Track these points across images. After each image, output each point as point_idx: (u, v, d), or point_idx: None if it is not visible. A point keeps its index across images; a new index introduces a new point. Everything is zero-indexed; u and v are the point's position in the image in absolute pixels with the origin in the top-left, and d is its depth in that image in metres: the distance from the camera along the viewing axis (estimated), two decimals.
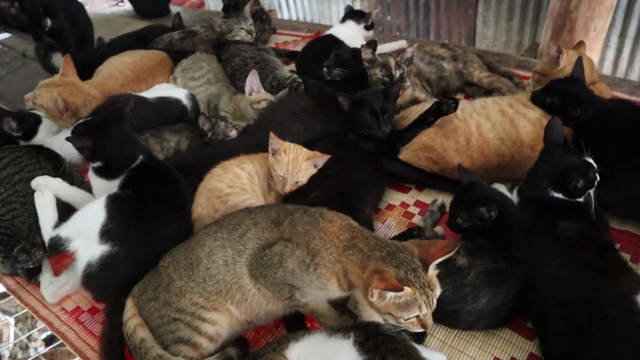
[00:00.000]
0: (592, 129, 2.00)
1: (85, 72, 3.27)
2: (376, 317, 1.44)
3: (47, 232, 1.80)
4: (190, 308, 1.50)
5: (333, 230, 1.43)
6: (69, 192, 2.02)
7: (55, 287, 1.88)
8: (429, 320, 1.33)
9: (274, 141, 1.95)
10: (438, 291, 1.33)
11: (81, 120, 2.03)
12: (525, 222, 1.72)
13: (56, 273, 1.96)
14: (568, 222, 1.65)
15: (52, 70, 3.62)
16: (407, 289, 1.25)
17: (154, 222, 1.80)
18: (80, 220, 1.75)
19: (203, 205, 1.91)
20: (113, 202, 1.75)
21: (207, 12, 5.71)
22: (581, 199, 1.74)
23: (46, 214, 1.86)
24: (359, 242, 1.38)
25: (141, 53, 3.20)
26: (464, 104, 2.29)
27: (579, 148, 1.83)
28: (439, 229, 1.97)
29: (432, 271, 1.31)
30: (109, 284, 1.70)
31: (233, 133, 2.50)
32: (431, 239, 1.82)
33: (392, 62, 2.52)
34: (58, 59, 3.53)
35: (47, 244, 1.77)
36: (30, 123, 2.37)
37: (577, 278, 1.51)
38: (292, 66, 3.37)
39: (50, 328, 1.78)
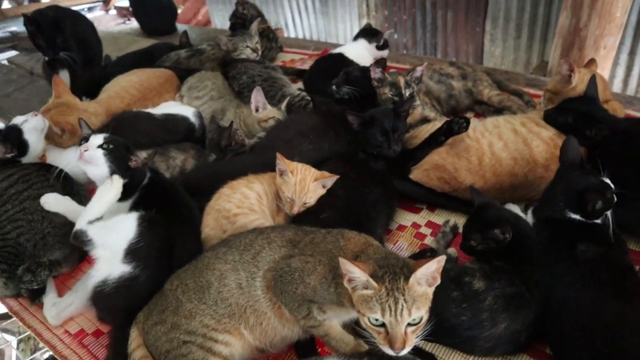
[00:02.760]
0: (608, 148, 1.96)
1: (92, 89, 3.28)
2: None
3: (82, 222, 1.72)
4: (201, 330, 1.45)
5: (350, 247, 1.42)
6: (78, 211, 1.97)
7: (59, 308, 1.83)
8: (397, 338, 1.23)
9: (281, 162, 1.92)
10: (414, 306, 1.24)
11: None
12: (541, 243, 1.67)
13: (60, 293, 1.91)
14: (587, 244, 1.60)
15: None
16: (373, 283, 1.23)
17: (173, 246, 1.77)
18: (110, 230, 1.70)
19: (211, 226, 1.88)
20: (145, 221, 1.72)
21: (213, 30, 5.74)
22: (599, 221, 1.69)
23: (95, 206, 1.77)
24: (369, 250, 1.39)
25: (148, 72, 3.20)
26: (475, 123, 2.26)
27: (594, 168, 1.80)
28: (452, 250, 1.92)
29: (413, 280, 1.25)
30: (120, 307, 1.65)
31: (247, 142, 2.56)
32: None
33: (401, 81, 2.50)
34: (65, 76, 3.53)
35: (73, 231, 1.71)
36: (14, 137, 2.27)
37: (598, 302, 1.45)
38: (300, 84, 3.35)
39: (53, 351, 1.73)
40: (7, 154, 2.25)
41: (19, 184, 2.09)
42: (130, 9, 5.81)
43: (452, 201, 2.16)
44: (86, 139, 1.91)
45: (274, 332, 1.51)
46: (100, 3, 7.56)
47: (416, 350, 1.50)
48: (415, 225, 2.13)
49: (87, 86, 3.47)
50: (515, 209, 1.96)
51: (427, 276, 1.27)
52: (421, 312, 1.26)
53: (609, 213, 1.68)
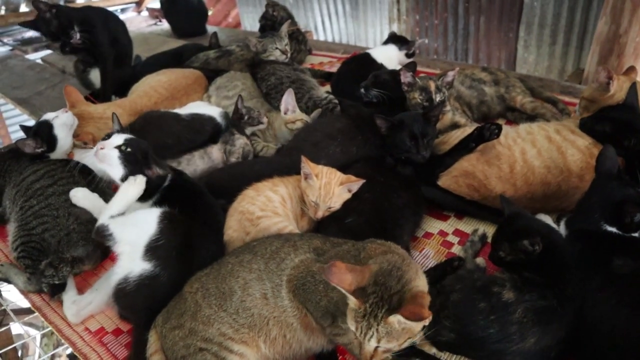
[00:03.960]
0: None
1: (122, 88, 3.32)
2: None
3: (104, 217, 1.72)
4: (217, 338, 1.42)
5: (368, 257, 1.37)
6: (104, 208, 1.98)
7: (79, 306, 1.82)
8: (365, 354, 1.24)
9: (306, 165, 1.89)
10: (385, 338, 1.20)
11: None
12: (575, 256, 1.60)
13: (80, 291, 1.91)
14: (624, 258, 1.53)
15: (89, 86, 3.69)
16: (352, 298, 1.21)
17: (195, 248, 1.75)
18: (131, 225, 1.70)
19: (234, 227, 1.86)
20: (167, 218, 1.71)
21: (243, 32, 5.76)
22: (636, 234, 1.62)
23: (117, 202, 1.77)
24: (387, 255, 1.33)
25: (176, 72, 3.21)
26: (507, 130, 2.19)
27: (633, 180, 1.72)
28: (480, 260, 1.86)
29: (394, 320, 1.19)
30: (141, 305, 1.64)
31: (265, 120, 2.66)
32: (472, 271, 1.72)
33: (432, 85, 2.45)
34: (96, 74, 3.61)
35: (96, 226, 1.71)
36: (44, 133, 2.33)
37: (635, 321, 1.38)
38: (328, 87, 3.32)
39: (72, 348, 1.72)
40: (37, 149, 2.29)
41: (44, 179, 2.12)
42: (162, 10, 5.87)
43: (481, 210, 2.09)
44: (109, 136, 1.90)
45: (299, 345, 1.48)
46: (133, 4, 7.66)
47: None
48: (443, 233, 2.07)
49: (117, 85, 3.53)
50: (547, 219, 1.89)
51: (408, 325, 1.20)
52: (393, 344, 1.23)
53: None
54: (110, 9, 3.99)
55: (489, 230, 1.99)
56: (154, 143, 2.19)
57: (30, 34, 6.26)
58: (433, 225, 2.12)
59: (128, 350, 1.68)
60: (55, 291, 1.90)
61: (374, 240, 1.47)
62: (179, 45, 4.22)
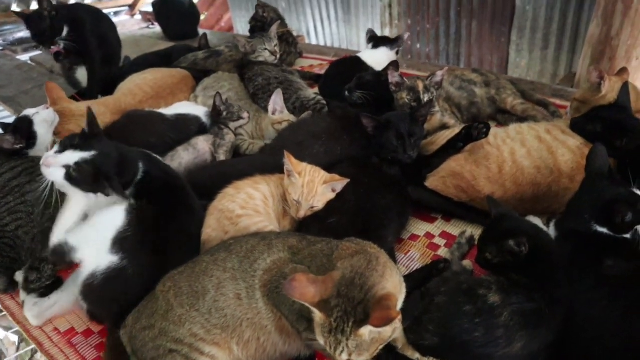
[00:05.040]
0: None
1: (109, 88, 3.26)
2: None
3: (58, 234, 1.65)
4: (188, 339, 1.36)
5: (340, 257, 1.30)
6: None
7: (41, 308, 1.75)
8: None
9: (289, 161, 1.83)
10: (356, 352, 1.15)
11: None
12: (564, 258, 1.54)
13: None
14: (614, 259, 1.48)
15: (76, 85, 3.64)
16: (317, 312, 1.15)
17: (169, 243, 1.68)
18: (92, 228, 1.63)
19: (213, 226, 1.79)
20: (135, 210, 1.65)
21: (235, 35, 5.72)
22: (628, 236, 1.56)
23: (68, 217, 1.70)
24: (354, 258, 1.26)
25: (163, 71, 3.17)
26: (496, 130, 2.15)
27: (625, 180, 1.67)
28: (467, 263, 1.80)
29: (364, 331, 1.13)
30: (110, 299, 1.58)
31: (245, 115, 2.61)
32: (458, 273, 1.66)
33: (420, 85, 2.40)
34: (82, 73, 3.57)
35: (51, 246, 1.63)
36: (24, 129, 2.24)
37: (627, 323, 1.33)
38: (317, 89, 3.27)
39: (39, 349, 1.66)
40: (16, 145, 2.21)
41: (22, 177, 2.05)
42: (154, 13, 5.81)
43: (469, 211, 2.03)
44: (65, 144, 1.65)
45: (274, 349, 1.42)
46: (127, 8, 7.62)
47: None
48: (429, 235, 2.01)
49: (104, 85, 3.47)
50: (536, 221, 1.84)
51: (379, 333, 1.15)
52: (365, 356, 1.16)
53: (639, 228, 1.55)
54: (104, 11, 3.94)
55: (478, 232, 1.93)
56: (138, 142, 2.14)
57: (22, 34, 6.20)
58: (419, 227, 2.06)
59: (98, 351, 1.62)
60: (46, 293, 1.82)
61: (351, 239, 1.41)
62: (168, 46, 4.16)
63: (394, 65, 2.50)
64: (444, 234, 2.01)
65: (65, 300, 1.75)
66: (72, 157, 1.60)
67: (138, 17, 7.40)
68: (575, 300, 1.44)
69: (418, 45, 4.93)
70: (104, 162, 1.63)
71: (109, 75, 3.53)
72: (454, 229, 2.03)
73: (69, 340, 1.69)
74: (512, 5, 4.10)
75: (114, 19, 7.10)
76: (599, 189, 1.61)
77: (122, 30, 6.09)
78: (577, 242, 1.61)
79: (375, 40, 3.29)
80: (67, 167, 1.60)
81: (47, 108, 2.37)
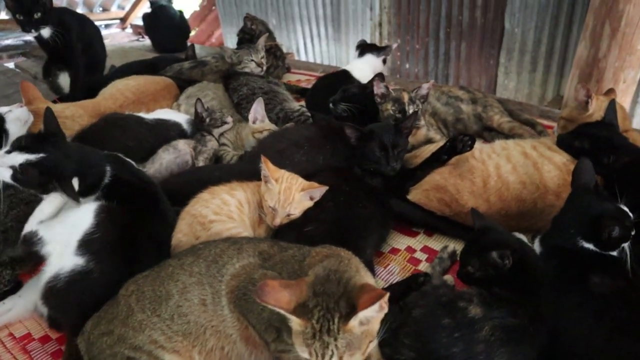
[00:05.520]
0: (627, 177, 1.77)
1: (91, 95, 3.18)
2: None
3: (32, 223, 1.59)
4: (147, 346, 1.26)
5: (311, 262, 1.24)
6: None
7: None
8: None
9: (265, 167, 1.76)
10: (346, 352, 1.07)
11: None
12: (549, 273, 1.48)
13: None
14: (601, 277, 1.41)
15: (58, 90, 3.57)
16: (295, 319, 1.07)
17: (137, 248, 1.60)
18: (63, 224, 1.56)
19: (184, 231, 1.71)
20: (105, 211, 1.57)
21: (222, 46, 5.70)
22: (615, 253, 1.50)
23: (46, 206, 1.63)
24: (325, 261, 1.20)
25: (146, 78, 3.13)
26: (482, 145, 2.12)
27: (612, 196, 1.61)
28: (448, 277, 1.73)
29: (354, 323, 1.06)
30: (72, 303, 1.49)
31: (229, 119, 2.59)
32: (438, 287, 1.58)
33: (405, 97, 2.36)
34: (65, 79, 3.51)
35: (22, 235, 1.57)
36: None
37: (613, 342, 1.27)
38: (303, 103, 3.22)
39: None
40: None
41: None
42: (143, 25, 5.78)
43: (452, 226, 1.97)
44: (14, 145, 1.60)
45: (238, 359, 1.32)
46: (118, 21, 7.60)
47: None
48: (410, 250, 1.94)
49: (87, 92, 3.40)
50: (521, 238, 1.77)
51: (370, 317, 1.08)
52: (358, 357, 1.08)
53: (626, 245, 1.49)
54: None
55: (460, 247, 1.85)
56: (115, 146, 2.08)
57: (8, 41, 6.14)
58: (400, 241, 1.99)
59: (54, 359, 1.51)
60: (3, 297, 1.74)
61: (324, 245, 1.34)
62: (155, 56, 4.12)
63: (379, 76, 2.46)
64: (425, 249, 1.95)
65: (22, 306, 1.67)
66: (18, 158, 1.55)
67: (129, 30, 7.38)
68: (559, 318, 1.37)
69: (407, 65, 4.93)
70: (52, 165, 1.58)
71: (92, 82, 3.46)
72: (436, 243, 1.97)
73: (23, 346, 1.59)
74: (501, 27, 4.11)
75: (105, 32, 7.14)
76: (585, 203, 1.55)
77: (111, 42, 6.10)
78: (562, 258, 1.55)
79: (362, 48, 3.26)
80: (13, 168, 1.55)
81: (21, 106, 2.29)
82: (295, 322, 1.08)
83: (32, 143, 1.59)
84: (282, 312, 1.07)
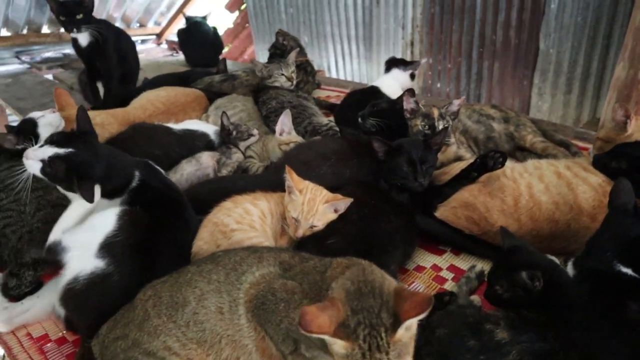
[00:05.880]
0: None
1: (124, 105, 3.22)
2: None
3: (56, 232, 1.62)
4: (161, 352, 1.24)
5: (333, 274, 1.19)
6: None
7: (12, 313, 1.65)
8: None
9: (289, 177, 1.73)
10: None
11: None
12: (583, 298, 1.40)
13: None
14: None
15: (91, 100, 3.63)
16: (340, 342, 0.99)
17: (158, 254, 1.60)
18: (85, 230, 1.58)
19: (205, 239, 1.69)
20: (127, 216, 1.58)
21: (252, 60, 5.75)
22: None
23: (71, 215, 1.67)
24: (346, 272, 1.15)
25: (177, 89, 3.16)
26: (513, 164, 2.05)
27: None
28: (475, 298, 1.66)
29: (402, 332, 1.01)
30: (90, 306, 1.49)
31: (255, 132, 2.59)
32: (465, 307, 1.52)
33: (435, 112, 2.31)
34: (99, 89, 3.55)
35: (47, 244, 1.60)
36: (27, 130, 2.25)
37: None
38: (332, 118, 3.21)
39: (7, 352, 1.57)
40: (18, 145, 2.21)
41: (27, 192, 2.00)
42: (178, 41, 5.89)
43: (480, 245, 1.90)
44: (47, 139, 1.67)
45: None
46: (154, 37, 7.77)
47: None
48: (436, 268, 1.88)
49: (120, 102, 3.46)
50: (553, 259, 1.69)
51: (414, 321, 1.03)
52: None
53: None
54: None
55: (488, 268, 1.80)
56: (142, 154, 2.09)
57: (49, 54, 6.33)
58: (426, 259, 1.93)
59: None
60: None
61: (347, 257, 1.30)
62: (186, 70, 4.17)
63: (409, 91, 2.42)
64: (451, 268, 1.88)
65: (40, 307, 1.66)
66: (48, 151, 1.60)
67: (164, 46, 7.53)
68: (593, 346, 1.29)
69: (438, 85, 4.88)
70: (80, 160, 1.61)
71: (125, 93, 3.52)
72: (463, 263, 1.90)
73: (40, 347, 1.58)
74: (536, 48, 4.04)
75: (141, 47, 7.32)
76: (623, 225, 1.48)
77: (146, 57, 6.23)
78: (597, 282, 1.46)
79: (389, 64, 3.24)
80: (42, 161, 1.59)
81: (54, 112, 2.34)
82: (339, 346, 1.01)
83: (63, 138, 1.64)
84: (325, 337, 1.00)
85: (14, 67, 5.94)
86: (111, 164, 1.67)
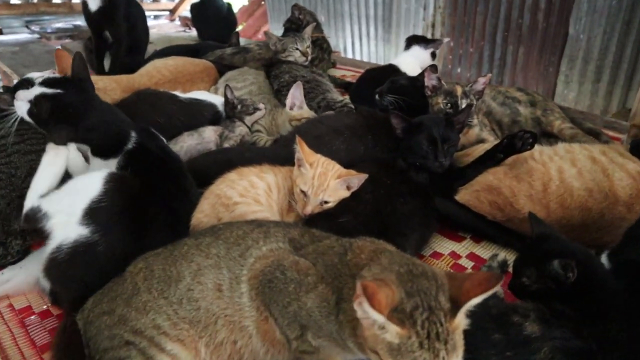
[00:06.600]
0: None
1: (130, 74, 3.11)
2: None
3: (32, 198, 1.49)
4: (149, 331, 1.11)
5: (358, 261, 1.06)
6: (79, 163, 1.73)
7: None
8: None
9: (300, 149, 1.59)
10: (454, 354, 0.88)
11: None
12: (622, 292, 1.25)
13: None
14: None
15: (95, 68, 3.51)
16: (396, 328, 0.85)
17: (150, 222, 1.48)
18: (68, 193, 1.46)
19: (205, 211, 1.56)
20: (114, 180, 1.46)
21: (266, 31, 5.62)
22: None
23: (43, 177, 1.54)
24: (382, 257, 1.02)
25: (186, 59, 3.04)
26: (542, 147, 1.89)
27: None
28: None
29: (461, 318, 0.89)
30: (74, 277, 1.38)
31: (262, 106, 2.47)
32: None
33: (459, 90, 2.16)
34: (106, 62, 3.46)
35: (23, 212, 1.48)
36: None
37: None
38: (347, 97, 3.06)
39: None
40: (12, 105, 2.06)
41: (12, 137, 1.87)
42: (191, 16, 5.75)
43: (503, 233, 1.75)
44: (42, 82, 1.63)
45: (251, 357, 1.16)
46: (167, 12, 7.64)
47: None
48: (454, 255, 1.74)
49: (126, 71, 3.33)
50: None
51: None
52: (460, 353, 0.90)
53: None
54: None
55: (512, 257, 1.65)
56: (144, 121, 1.98)
57: (59, 25, 6.22)
58: (444, 245, 1.79)
59: (52, 336, 1.39)
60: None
61: (362, 238, 1.16)
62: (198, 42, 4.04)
63: (432, 67, 2.27)
64: (471, 256, 1.74)
65: (22, 278, 1.56)
66: (35, 91, 1.58)
67: (177, 22, 7.40)
68: (632, 344, 1.15)
69: (458, 69, 4.70)
70: (65, 102, 1.57)
71: (133, 63, 3.39)
72: (484, 251, 1.76)
73: (21, 319, 1.47)
74: (565, 33, 3.83)
75: (154, 22, 7.18)
76: None
77: (159, 32, 6.10)
78: (635, 276, 1.32)
79: (409, 41, 3.08)
80: (30, 101, 1.54)
81: (53, 73, 2.21)
82: (392, 333, 0.86)
83: (55, 81, 1.61)
84: (381, 319, 0.85)
85: (23, 36, 5.87)
86: (102, 116, 1.62)
